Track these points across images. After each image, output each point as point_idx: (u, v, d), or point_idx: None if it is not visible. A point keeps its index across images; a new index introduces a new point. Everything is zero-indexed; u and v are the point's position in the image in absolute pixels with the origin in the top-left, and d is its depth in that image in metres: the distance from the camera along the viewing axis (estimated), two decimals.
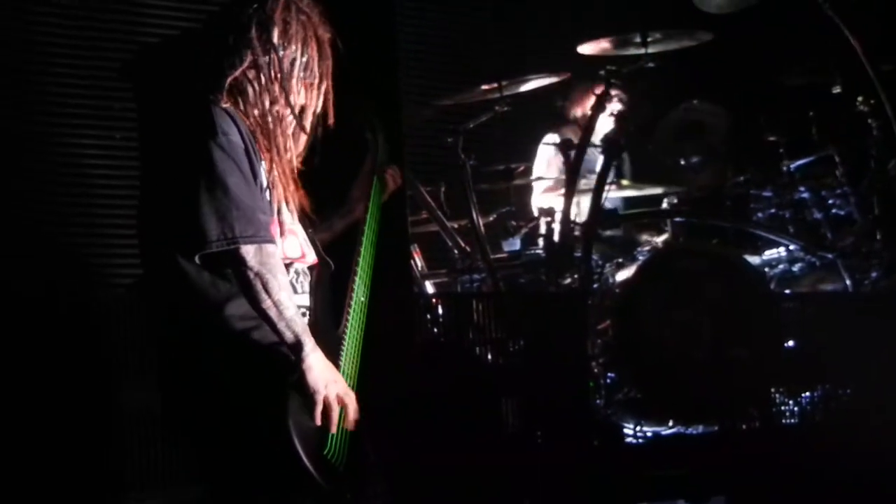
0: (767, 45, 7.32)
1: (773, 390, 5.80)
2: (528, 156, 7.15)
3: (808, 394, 5.83)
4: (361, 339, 3.50)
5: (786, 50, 7.11)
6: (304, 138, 3.47)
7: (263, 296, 3.18)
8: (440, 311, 5.58)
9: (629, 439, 5.62)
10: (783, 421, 5.79)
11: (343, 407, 3.27)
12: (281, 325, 3.20)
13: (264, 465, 3.20)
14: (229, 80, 3.31)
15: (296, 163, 3.45)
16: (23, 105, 5.77)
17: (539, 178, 6.90)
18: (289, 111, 3.39)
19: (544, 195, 6.90)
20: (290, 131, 3.42)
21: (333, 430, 3.24)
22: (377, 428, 3.51)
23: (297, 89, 3.42)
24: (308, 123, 3.47)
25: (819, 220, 6.48)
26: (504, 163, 6.75)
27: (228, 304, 3.23)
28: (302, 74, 3.41)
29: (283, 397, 3.17)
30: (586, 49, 6.42)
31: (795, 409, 5.82)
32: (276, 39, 3.36)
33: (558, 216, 6.11)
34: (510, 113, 6.55)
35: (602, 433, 5.48)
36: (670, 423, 5.75)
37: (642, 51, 6.20)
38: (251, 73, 3.34)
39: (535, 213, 6.60)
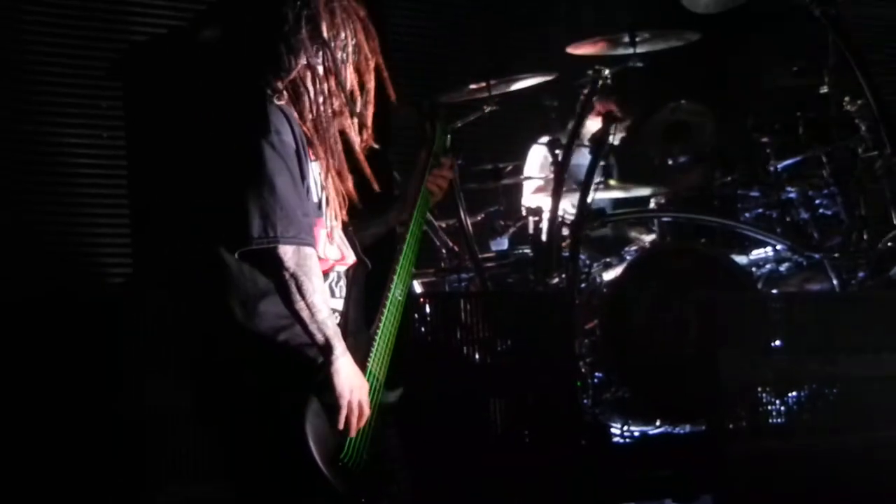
0: (755, 46, 7.34)
1: (759, 390, 5.80)
2: (516, 155, 7.15)
3: (794, 393, 5.83)
4: (394, 338, 3.48)
5: (773, 50, 7.12)
6: (370, 118, 3.45)
7: (297, 297, 3.18)
8: (428, 310, 5.58)
9: (617, 439, 5.63)
10: (770, 420, 5.79)
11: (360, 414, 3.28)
12: (312, 328, 3.20)
13: (281, 466, 3.21)
14: (286, 82, 3.30)
15: (369, 142, 3.45)
16: (10, 104, 5.76)
17: (528, 178, 6.90)
18: (345, 102, 3.38)
19: (534, 195, 6.91)
20: (347, 122, 3.41)
21: (353, 434, 3.25)
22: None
23: (356, 73, 3.41)
24: (370, 104, 3.46)
25: (806, 220, 6.49)
26: (492, 162, 6.75)
27: (264, 300, 3.24)
28: (355, 58, 3.40)
29: (301, 401, 3.18)
30: (575, 49, 6.43)
31: (782, 408, 5.82)
32: (325, 34, 3.34)
33: (546, 216, 6.11)
34: (498, 112, 6.56)
35: (590, 433, 5.48)
36: (658, 423, 5.76)
37: (631, 51, 6.20)
38: (305, 73, 3.33)
39: (524, 213, 6.61)
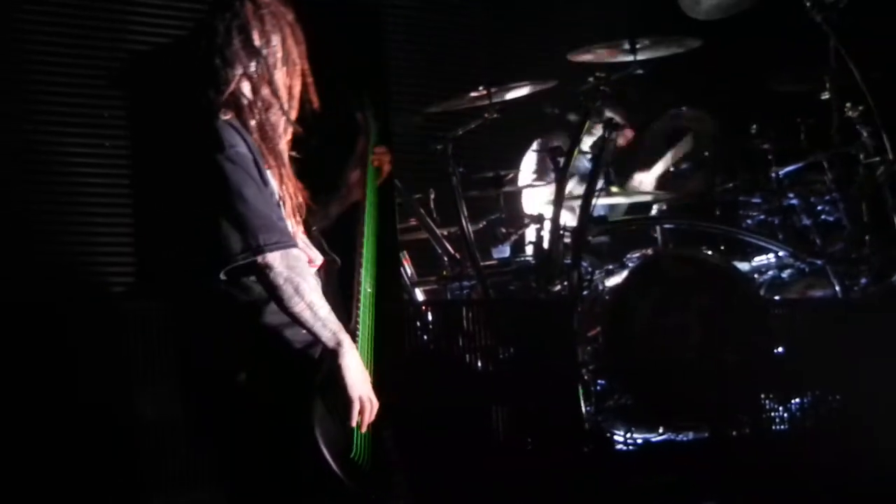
0: (756, 52, 7.34)
1: (763, 396, 5.81)
2: (517, 163, 7.16)
3: (797, 400, 5.83)
4: (373, 331, 3.49)
5: (774, 56, 7.12)
6: (293, 119, 3.46)
7: (297, 299, 3.18)
8: (430, 318, 5.58)
9: (619, 446, 5.62)
10: (773, 427, 5.79)
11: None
12: (317, 326, 3.20)
13: (292, 470, 3.21)
14: (226, 95, 3.31)
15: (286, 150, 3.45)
16: (12, 114, 5.76)
17: (529, 186, 6.90)
18: (281, 111, 3.39)
19: (533, 196, 6.92)
20: (280, 129, 3.42)
21: (364, 429, 3.26)
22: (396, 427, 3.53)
23: (284, 81, 3.42)
24: (295, 111, 3.46)
25: (808, 227, 6.48)
26: (493, 170, 6.74)
27: (259, 309, 3.25)
28: (286, 62, 3.42)
29: (308, 404, 3.18)
30: (576, 56, 6.43)
31: (785, 415, 5.83)
32: (257, 42, 3.35)
33: (547, 223, 6.11)
34: (499, 120, 6.55)
35: (592, 440, 5.48)
36: (660, 430, 5.75)
37: (631, 58, 6.20)
38: (244, 84, 3.35)
39: (526, 221, 6.61)
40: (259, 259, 3.17)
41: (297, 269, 3.20)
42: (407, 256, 6.47)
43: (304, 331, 3.22)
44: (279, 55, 3.40)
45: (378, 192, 3.80)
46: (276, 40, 3.39)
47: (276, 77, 3.39)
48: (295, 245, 3.25)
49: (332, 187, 3.82)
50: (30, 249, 5.58)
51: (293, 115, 3.45)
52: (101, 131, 5.87)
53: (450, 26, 7.88)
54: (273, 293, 3.20)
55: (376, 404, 3.29)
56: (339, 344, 3.22)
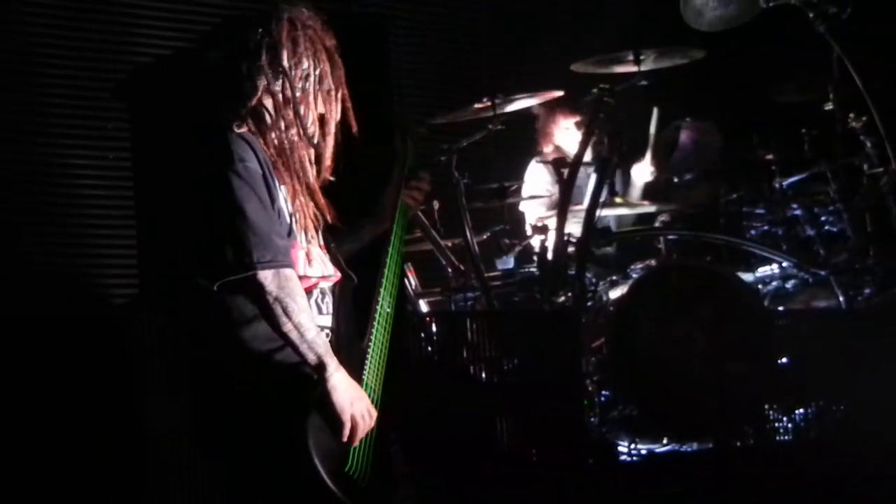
0: (759, 63, 7.34)
1: (767, 407, 5.80)
2: (522, 174, 7.16)
3: (802, 410, 5.82)
4: (387, 350, 3.52)
5: (777, 67, 7.12)
6: (329, 150, 3.48)
7: (284, 319, 3.22)
8: (434, 329, 5.58)
9: (624, 457, 5.62)
10: (777, 438, 5.79)
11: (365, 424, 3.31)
12: (303, 348, 3.24)
13: (287, 485, 3.22)
14: (246, 108, 3.34)
15: (325, 175, 3.47)
16: (17, 126, 5.78)
17: (535, 197, 6.90)
18: (302, 132, 3.40)
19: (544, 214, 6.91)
20: (303, 151, 3.43)
21: (356, 443, 3.28)
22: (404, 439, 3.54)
23: (316, 104, 3.43)
24: (330, 136, 3.48)
25: (812, 237, 6.47)
26: (497, 181, 6.75)
27: (252, 324, 3.28)
28: (318, 87, 3.43)
29: (302, 418, 3.20)
30: (579, 67, 6.43)
31: (789, 425, 5.82)
32: (285, 62, 3.37)
33: (551, 234, 6.10)
34: (503, 131, 6.55)
35: (597, 451, 5.47)
36: (665, 441, 5.75)
37: (635, 69, 6.20)
38: (267, 100, 3.37)
39: (530, 232, 6.60)
40: (250, 275, 3.20)
41: (287, 289, 3.23)
42: (411, 268, 6.47)
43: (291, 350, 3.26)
44: (311, 79, 3.41)
45: (407, 217, 3.84)
46: (307, 63, 3.41)
47: (303, 101, 3.40)
48: (289, 265, 3.27)
49: (366, 210, 3.85)
50: (31, 261, 5.60)
51: (328, 140, 3.46)
52: (105, 143, 5.90)
53: (454, 37, 7.90)
54: (263, 311, 3.24)
55: (373, 417, 3.31)
56: (322, 367, 3.25)
